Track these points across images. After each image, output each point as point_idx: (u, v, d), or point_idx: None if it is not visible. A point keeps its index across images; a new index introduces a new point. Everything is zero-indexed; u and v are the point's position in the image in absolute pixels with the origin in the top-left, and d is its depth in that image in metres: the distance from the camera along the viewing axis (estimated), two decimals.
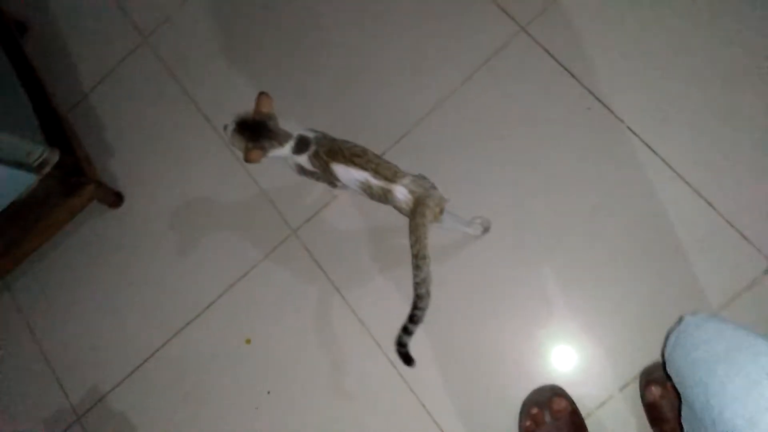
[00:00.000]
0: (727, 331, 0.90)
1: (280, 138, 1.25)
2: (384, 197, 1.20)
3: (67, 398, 1.67)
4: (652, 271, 1.38)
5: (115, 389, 1.63)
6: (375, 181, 1.18)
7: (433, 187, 1.20)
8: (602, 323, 1.37)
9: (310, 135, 1.27)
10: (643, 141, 1.43)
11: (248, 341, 1.58)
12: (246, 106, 1.26)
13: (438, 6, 1.62)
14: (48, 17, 1.93)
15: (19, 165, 1.46)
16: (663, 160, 1.41)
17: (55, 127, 1.61)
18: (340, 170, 1.22)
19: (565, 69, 1.49)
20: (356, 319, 1.51)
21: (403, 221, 1.20)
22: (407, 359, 1.27)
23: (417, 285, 1.18)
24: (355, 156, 1.20)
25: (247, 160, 1.24)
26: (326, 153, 1.23)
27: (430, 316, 1.19)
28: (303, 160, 1.27)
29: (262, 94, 1.24)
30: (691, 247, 1.36)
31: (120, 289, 1.69)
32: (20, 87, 1.58)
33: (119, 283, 1.69)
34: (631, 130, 1.44)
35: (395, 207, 1.21)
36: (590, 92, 1.47)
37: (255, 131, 1.23)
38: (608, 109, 1.46)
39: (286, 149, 1.26)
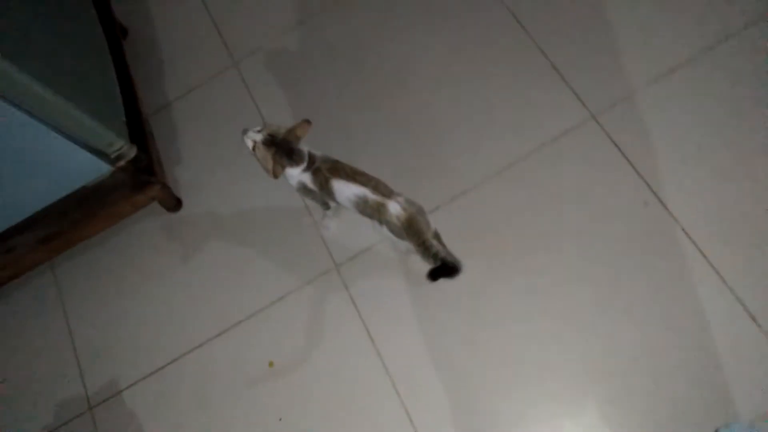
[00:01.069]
0: None
1: (298, 158, 1.34)
2: (377, 211, 1.31)
3: (84, 387, 1.69)
4: (686, 375, 1.37)
5: (133, 387, 1.65)
6: (372, 196, 1.30)
7: (423, 212, 1.32)
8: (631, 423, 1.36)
9: (318, 154, 1.38)
10: (695, 244, 1.45)
11: (271, 364, 1.59)
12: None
13: (514, 78, 1.71)
14: (148, 26, 2.08)
15: (98, 153, 1.54)
16: (712, 266, 1.42)
17: (137, 126, 1.71)
18: (340, 186, 1.33)
19: (629, 162, 1.54)
20: (382, 366, 1.52)
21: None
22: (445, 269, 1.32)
23: (434, 256, 1.31)
24: (357, 174, 1.33)
25: (275, 174, 1.32)
26: (328, 169, 1.34)
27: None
28: (306, 177, 1.37)
29: (305, 121, 1.33)
30: (728, 358, 1.35)
31: (159, 291, 1.73)
32: (116, 84, 1.69)
33: (160, 284, 1.74)
34: (684, 231, 1.46)
35: (386, 222, 1.31)
36: (650, 188, 1.51)
37: (283, 149, 1.32)
38: (665, 207, 1.49)
39: (299, 168, 1.35)
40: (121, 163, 1.60)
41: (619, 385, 1.39)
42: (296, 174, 1.36)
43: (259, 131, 1.33)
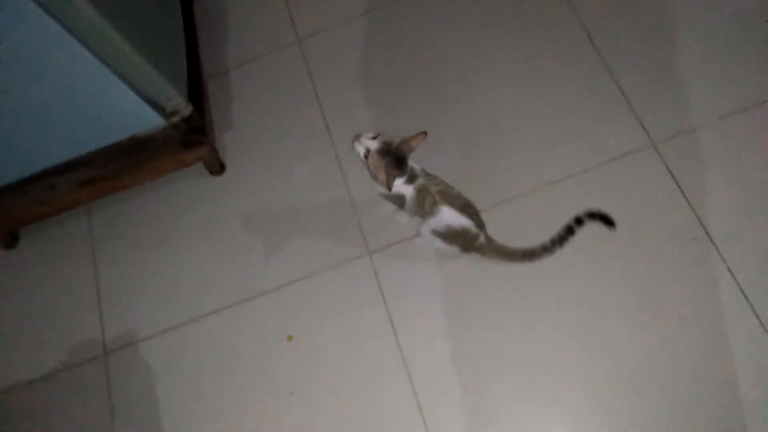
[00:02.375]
0: None
1: (405, 170, 1.32)
2: (471, 240, 1.40)
3: (102, 332, 1.69)
4: (709, 416, 1.33)
5: (150, 339, 1.65)
6: (474, 230, 1.36)
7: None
8: None
9: (417, 167, 1.37)
10: (739, 286, 1.41)
11: (290, 338, 1.58)
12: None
13: (578, 94, 1.69)
14: None
15: (155, 105, 1.55)
16: (755, 312, 1.38)
17: (196, 86, 1.72)
18: (448, 214, 1.34)
19: (683, 194, 1.51)
20: (400, 357, 1.50)
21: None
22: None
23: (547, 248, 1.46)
24: (467, 206, 1.38)
25: (389, 186, 1.29)
26: (439, 193, 1.33)
27: None
28: (407, 190, 1.35)
29: (422, 133, 1.30)
30: (757, 412, 1.31)
31: (190, 249, 1.74)
32: (183, 42, 1.72)
33: (192, 243, 1.75)
34: (731, 272, 1.42)
35: (475, 247, 1.43)
36: (701, 224, 1.47)
37: (397, 160, 1.29)
38: (714, 246, 1.45)
39: (401, 180, 1.33)
40: (175, 119, 1.61)
41: (638, 410, 1.36)
42: (398, 184, 1.33)
43: (373, 138, 1.30)
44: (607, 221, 1.48)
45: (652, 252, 1.48)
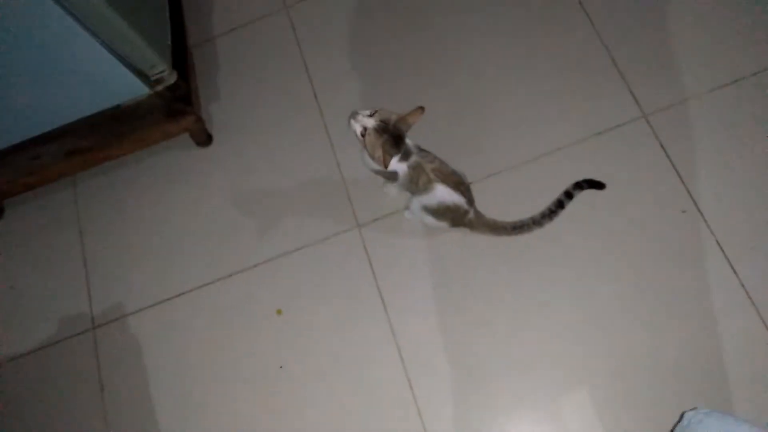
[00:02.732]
0: (730, 426, 0.89)
1: (401, 147, 1.30)
2: (461, 215, 1.40)
3: (90, 305, 1.68)
4: (694, 390, 1.35)
5: (139, 313, 1.65)
6: (465, 206, 1.36)
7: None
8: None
9: (411, 144, 1.34)
10: (727, 259, 1.42)
11: (279, 312, 1.58)
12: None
13: (571, 66, 1.66)
14: None
15: (139, 73, 1.52)
16: (741, 284, 1.39)
17: (180, 54, 1.68)
18: (442, 191, 1.33)
19: (673, 166, 1.50)
20: (389, 330, 1.51)
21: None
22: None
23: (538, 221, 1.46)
24: (460, 184, 1.36)
25: (386, 165, 1.26)
26: (433, 171, 1.32)
27: None
28: (401, 167, 1.33)
29: (420, 108, 1.27)
30: (743, 376, 1.33)
31: (177, 222, 1.72)
32: (167, 7, 1.67)
33: (179, 215, 1.73)
34: (719, 245, 1.43)
35: (464, 222, 1.43)
36: (691, 197, 1.47)
37: (395, 138, 1.27)
38: (704, 218, 1.45)
39: (397, 157, 1.31)
40: (160, 87, 1.57)
41: (621, 388, 1.38)
42: (392, 161, 1.30)
43: (370, 116, 1.27)
44: (596, 184, 1.48)
45: (641, 224, 1.48)
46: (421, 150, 1.35)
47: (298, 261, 1.62)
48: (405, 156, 1.32)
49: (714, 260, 1.43)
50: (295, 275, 1.61)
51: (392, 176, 1.37)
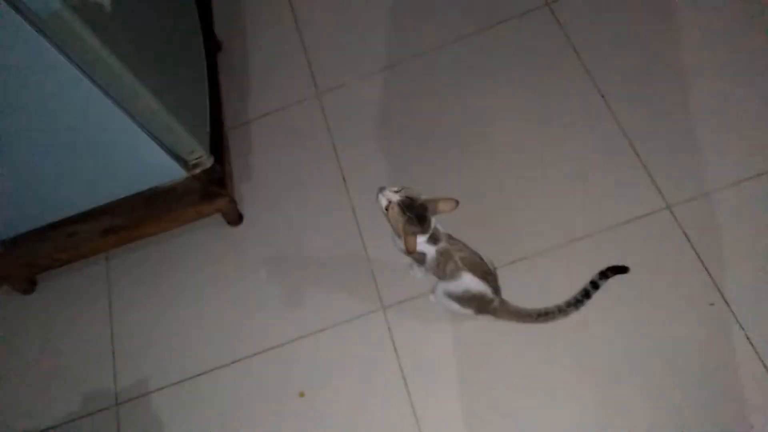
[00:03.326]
0: None
1: (427, 229, 1.31)
2: (486, 303, 1.41)
3: (114, 382, 1.69)
4: None
5: (162, 390, 1.65)
6: (490, 295, 1.37)
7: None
8: None
9: (440, 229, 1.36)
10: (758, 354, 1.40)
11: (302, 395, 1.57)
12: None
13: (593, 155, 1.70)
14: (242, 44, 2.15)
15: (178, 158, 1.58)
16: None
17: (217, 138, 1.76)
18: (469, 280, 1.35)
19: (699, 259, 1.51)
20: (413, 415, 1.49)
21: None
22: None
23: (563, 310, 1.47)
24: (487, 274, 1.39)
25: (408, 247, 1.27)
26: (462, 260, 1.34)
27: None
28: (428, 249, 1.35)
29: (454, 200, 1.28)
30: None
31: (205, 299, 1.75)
32: (207, 95, 1.76)
33: (207, 294, 1.76)
34: (748, 339, 1.41)
35: (489, 310, 1.44)
36: (718, 289, 1.47)
37: (419, 217, 1.28)
38: (731, 311, 1.44)
39: (423, 239, 1.32)
40: (197, 171, 1.64)
41: None
42: (420, 242, 1.31)
43: (396, 192, 1.29)
44: (620, 269, 1.49)
45: (668, 317, 1.48)
46: (451, 238, 1.37)
47: (322, 342, 1.63)
48: (433, 240, 1.33)
49: (743, 354, 1.41)
50: (319, 357, 1.61)
51: (420, 258, 1.39)
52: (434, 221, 1.32)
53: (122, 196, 1.65)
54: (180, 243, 1.84)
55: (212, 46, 1.97)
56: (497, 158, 1.76)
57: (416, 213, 1.27)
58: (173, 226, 1.76)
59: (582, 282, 1.50)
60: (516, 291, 1.49)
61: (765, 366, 1.38)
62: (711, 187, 1.59)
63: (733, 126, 1.66)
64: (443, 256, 1.34)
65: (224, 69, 2.02)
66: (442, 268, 1.36)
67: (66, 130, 1.39)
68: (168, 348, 1.71)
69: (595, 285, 1.47)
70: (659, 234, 1.56)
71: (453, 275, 1.35)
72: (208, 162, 1.65)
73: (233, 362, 1.65)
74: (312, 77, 2.02)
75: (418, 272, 1.61)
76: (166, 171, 1.61)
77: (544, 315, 1.46)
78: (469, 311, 1.44)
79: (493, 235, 1.64)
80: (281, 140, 1.94)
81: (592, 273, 1.51)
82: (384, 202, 1.29)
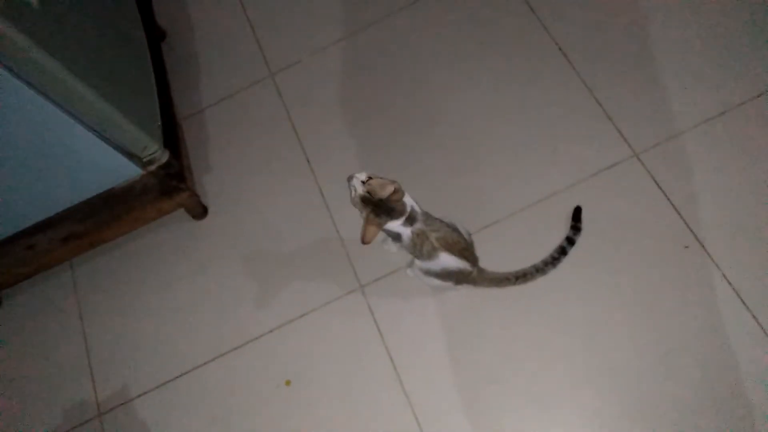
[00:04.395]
0: None
1: (399, 214, 1.27)
2: (465, 277, 1.40)
3: (95, 392, 1.65)
4: (716, 426, 1.33)
5: (144, 395, 1.61)
6: (469, 268, 1.38)
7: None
8: None
9: (417, 210, 1.31)
10: (735, 291, 1.41)
11: (288, 383, 1.55)
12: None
13: (556, 111, 1.68)
14: (187, 30, 2.06)
15: (131, 156, 1.52)
16: (753, 315, 1.38)
17: (171, 131, 1.69)
18: (447, 258, 1.32)
19: (671, 203, 1.50)
20: (402, 392, 1.48)
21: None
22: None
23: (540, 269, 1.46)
24: (465, 250, 1.36)
25: (364, 240, 1.24)
26: (438, 240, 1.30)
27: None
28: (404, 231, 1.31)
29: (393, 184, 1.23)
30: (760, 409, 1.31)
31: (178, 299, 1.70)
32: (155, 88, 1.68)
33: (179, 292, 1.71)
34: (725, 277, 1.42)
35: (468, 280, 1.42)
36: (692, 231, 1.47)
37: (382, 208, 1.24)
38: (707, 252, 1.45)
39: (399, 222, 1.28)
40: (153, 167, 1.58)
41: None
42: (395, 225, 1.28)
43: (363, 182, 1.24)
44: (576, 212, 1.51)
45: (645, 263, 1.48)
46: (428, 217, 1.33)
47: (303, 328, 1.60)
48: (410, 221, 1.29)
49: (722, 293, 1.42)
50: (301, 343, 1.58)
51: (396, 237, 1.36)
52: (410, 202, 1.29)
53: (77, 201, 1.59)
54: (146, 243, 1.78)
55: (155, 36, 1.88)
56: (461, 125, 1.72)
57: (377, 206, 1.24)
58: (136, 227, 1.70)
59: (557, 238, 1.49)
60: (493, 255, 1.47)
61: (743, 301, 1.40)
62: (676, 130, 1.58)
63: (693, 68, 1.64)
64: (419, 237, 1.31)
65: (171, 58, 1.93)
66: (419, 249, 1.33)
67: (7, 139, 1.32)
68: (146, 352, 1.66)
69: (570, 241, 1.46)
70: (629, 183, 1.55)
71: (430, 255, 1.32)
72: (163, 157, 1.59)
73: (215, 358, 1.61)
74: (263, 57, 1.94)
75: (392, 246, 1.57)
76: (120, 171, 1.55)
77: (522, 276, 1.45)
78: (448, 284, 1.42)
79: (464, 202, 1.61)
80: (239, 126, 1.88)
81: (566, 228, 1.50)
82: (352, 192, 1.26)
